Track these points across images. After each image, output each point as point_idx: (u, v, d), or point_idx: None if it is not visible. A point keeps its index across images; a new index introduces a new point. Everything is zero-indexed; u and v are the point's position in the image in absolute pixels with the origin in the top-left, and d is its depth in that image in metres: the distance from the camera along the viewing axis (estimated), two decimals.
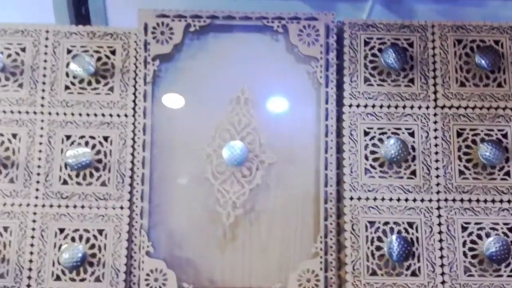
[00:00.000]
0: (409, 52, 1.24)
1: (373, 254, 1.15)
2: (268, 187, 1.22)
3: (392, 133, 1.20)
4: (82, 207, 1.19)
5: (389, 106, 1.21)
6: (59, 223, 1.18)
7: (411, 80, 1.23)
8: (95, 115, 1.23)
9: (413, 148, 1.19)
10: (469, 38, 1.25)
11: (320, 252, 1.17)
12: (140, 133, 1.22)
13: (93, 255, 1.16)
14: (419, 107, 1.21)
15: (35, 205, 1.19)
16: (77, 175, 1.20)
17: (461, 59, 1.24)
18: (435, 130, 1.20)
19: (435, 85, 1.23)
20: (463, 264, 1.14)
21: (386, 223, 1.16)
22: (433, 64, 1.23)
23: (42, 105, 1.23)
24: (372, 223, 1.17)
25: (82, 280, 1.15)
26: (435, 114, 1.21)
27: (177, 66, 1.27)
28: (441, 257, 1.15)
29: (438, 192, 1.18)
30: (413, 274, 1.14)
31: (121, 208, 1.19)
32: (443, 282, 1.14)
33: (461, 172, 1.19)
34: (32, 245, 1.17)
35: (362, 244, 1.15)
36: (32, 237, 1.17)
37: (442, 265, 1.14)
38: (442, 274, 1.14)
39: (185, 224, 1.22)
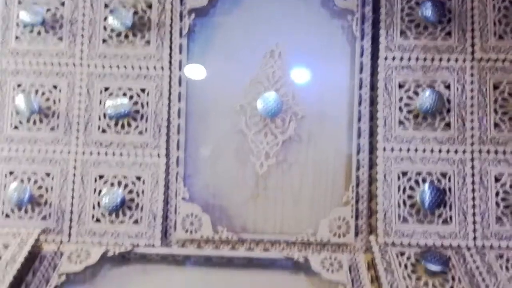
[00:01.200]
0: (446, 5, 1.30)
1: (404, 203, 1.24)
2: (301, 138, 1.32)
3: (428, 85, 1.28)
4: (121, 154, 1.31)
5: (425, 59, 1.30)
6: (99, 170, 1.31)
7: (448, 33, 1.30)
8: (132, 67, 1.34)
9: (448, 101, 1.28)
10: None
11: (351, 201, 1.27)
12: (175, 85, 1.34)
13: (132, 200, 1.29)
14: (456, 60, 1.29)
15: (76, 153, 1.32)
16: (116, 124, 1.33)
17: (500, 12, 1.30)
18: (471, 83, 1.28)
19: (472, 38, 1.29)
20: (495, 214, 1.23)
21: (418, 173, 1.25)
22: (471, 17, 1.30)
23: (81, 58, 1.36)
24: (404, 173, 1.26)
25: (121, 222, 1.29)
26: (471, 67, 1.29)
27: (212, 21, 1.37)
28: (473, 206, 1.24)
29: (472, 144, 1.26)
30: (444, 222, 1.23)
31: (158, 156, 1.31)
32: (474, 231, 1.23)
33: (496, 125, 1.27)
34: (73, 190, 1.31)
35: (394, 193, 1.25)
36: (73, 182, 1.31)
37: (474, 214, 1.23)
38: (474, 222, 1.23)
39: (219, 173, 1.33)
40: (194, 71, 1.36)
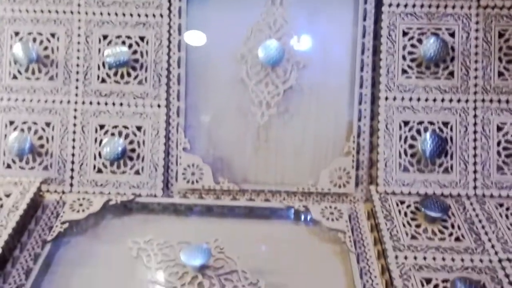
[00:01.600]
0: None
1: (405, 152, 1.26)
2: (302, 88, 1.32)
3: (432, 33, 1.27)
4: (121, 104, 1.32)
5: (430, 6, 1.28)
6: (99, 120, 1.32)
7: None
8: (131, 15, 1.33)
9: (453, 49, 1.27)
10: None
11: (352, 151, 1.29)
12: (175, 33, 1.33)
13: (133, 150, 1.30)
14: (461, 7, 1.27)
15: (75, 102, 1.32)
16: (115, 74, 1.32)
17: None
18: (476, 30, 1.27)
19: None
20: (496, 163, 1.24)
21: (420, 123, 1.26)
22: None
23: (79, 5, 1.34)
24: (406, 122, 1.26)
25: (123, 172, 1.30)
26: (477, 14, 1.28)
27: None
28: (474, 155, 1.25)
29: (475, 93, 1.26)
30: (445, 171, 1.25)
31: (158, 106, 1.32)
32: (474, 180, 1.24)
33: (500, 73, 1.26)
34: (73, 140, 1.32)
35: (395, 143, 1.26)
36: (74, 132, 1.32)
37: (475, 164, 1.25)
38: (475, 172, 1.25)
39: (220, 123, 1.34)
40: (194, 19, 1.35)
